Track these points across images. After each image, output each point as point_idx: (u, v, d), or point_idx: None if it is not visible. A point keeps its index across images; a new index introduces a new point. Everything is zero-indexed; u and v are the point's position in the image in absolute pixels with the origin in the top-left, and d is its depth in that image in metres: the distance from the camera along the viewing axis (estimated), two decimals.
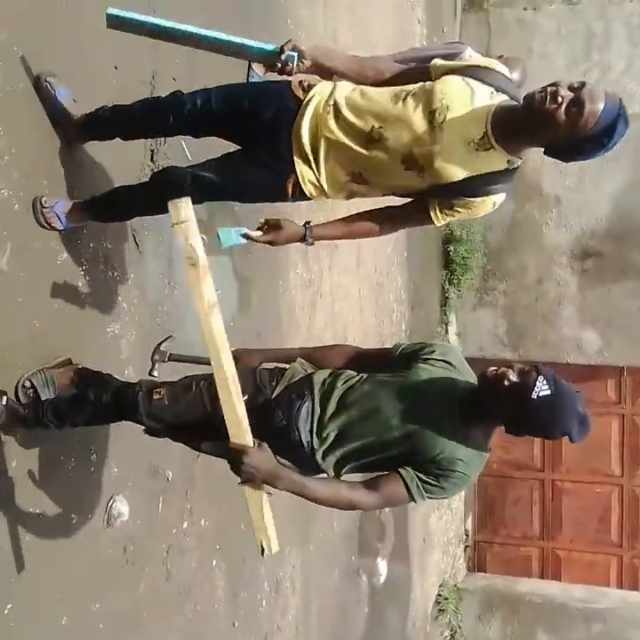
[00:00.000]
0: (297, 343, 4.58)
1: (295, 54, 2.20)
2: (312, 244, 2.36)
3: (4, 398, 2.26)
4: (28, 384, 2.37)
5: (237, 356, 2.25)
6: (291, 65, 2.20)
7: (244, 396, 1.99)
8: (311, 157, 2.28)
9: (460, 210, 2.29)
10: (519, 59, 4.09)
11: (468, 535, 8.08)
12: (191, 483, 3.44)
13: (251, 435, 1.97)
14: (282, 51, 2.19)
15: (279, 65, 2.21)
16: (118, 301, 2.92)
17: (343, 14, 5.17)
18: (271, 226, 2.32)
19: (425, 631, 6.99)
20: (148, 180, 2.70)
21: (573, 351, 7.62)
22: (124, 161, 2.90)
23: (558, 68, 7.42)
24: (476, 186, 2.21)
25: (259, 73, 3.89)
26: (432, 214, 2.32)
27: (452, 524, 7.75)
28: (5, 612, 2.35)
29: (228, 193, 2.46)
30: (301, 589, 4.64)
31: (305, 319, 4.70)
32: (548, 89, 2.06)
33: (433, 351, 2.25)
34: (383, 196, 2.42)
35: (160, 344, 2.67)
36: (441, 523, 7.51)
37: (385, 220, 2.43)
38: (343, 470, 2.24)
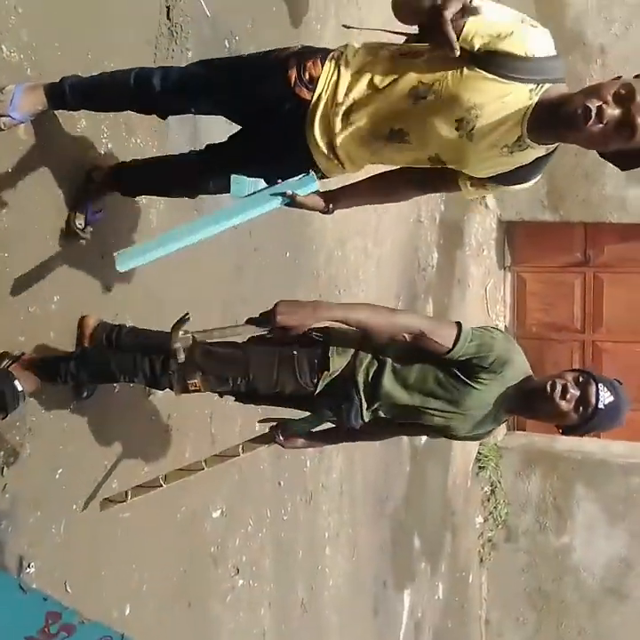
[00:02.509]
0: None
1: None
2: (332, 212, 2.18)
3: None
4: None
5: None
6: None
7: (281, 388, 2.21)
8: (331, 155, 2.10)
9: (491, 188, 2.13)
10: None
11: None
12: None
13: None
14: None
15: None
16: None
17: None
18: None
19: (465, 487, 7.22)
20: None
21: (617, 210, 7.37)
22: (139, 17, 2.76)
23: None
24: (510, 177, 2.05)
25: None
26: (462, 186, 2.12)
27: None
28: (57, 476, 2.45)
29: None
30: (344, 451, 4.78)
31: None
32: (594, 104, 1.76)
33: (490, 364, 2.15)
34: None
35: (177, 325, 2.06)
36: None
37: (410, 184, 2.22)
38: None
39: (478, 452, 7.49)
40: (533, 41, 1.81)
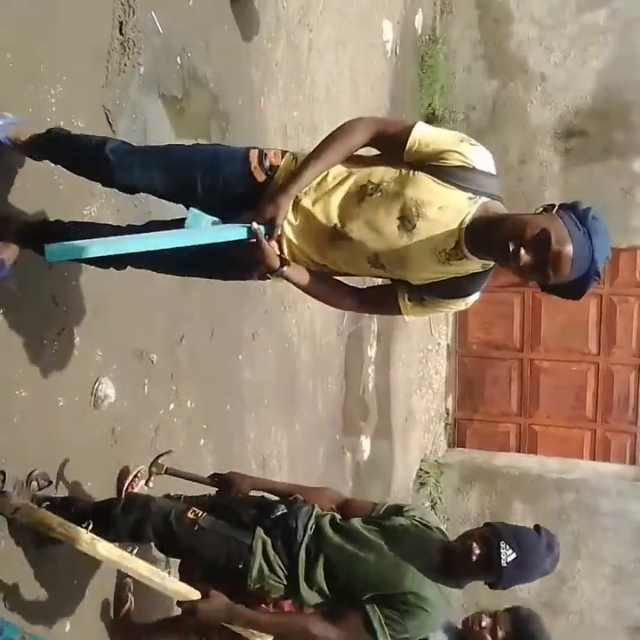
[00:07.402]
0: None
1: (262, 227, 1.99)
2: (281, 274, 2.09)
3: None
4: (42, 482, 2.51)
5: (231, 479, 2.66)
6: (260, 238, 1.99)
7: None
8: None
9: (430, 306, 2.13)
10: None
11: (448, 413, 8.32)
12: (175, 365, 3.47)
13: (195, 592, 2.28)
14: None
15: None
16: (92, 185, 2.85)
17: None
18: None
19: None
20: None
21: None
22: (92, 31, 2.76)
23: None
24: (447, 288, 2.07)
25: None
26: (401, 304, 2.14)
27: (433, 403, 7.96)
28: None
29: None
30: (288, 467, 4.79)
31: None
32: (514, 245, 1.83)
33: (413, 511, 2.47)
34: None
35: (158, 457, 2.86)
36: (423, 402, 7.71)
37: (349, 293, 2.25)
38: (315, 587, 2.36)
39: (419, 469, 7.58)
40: (475, 155, 1.95)
